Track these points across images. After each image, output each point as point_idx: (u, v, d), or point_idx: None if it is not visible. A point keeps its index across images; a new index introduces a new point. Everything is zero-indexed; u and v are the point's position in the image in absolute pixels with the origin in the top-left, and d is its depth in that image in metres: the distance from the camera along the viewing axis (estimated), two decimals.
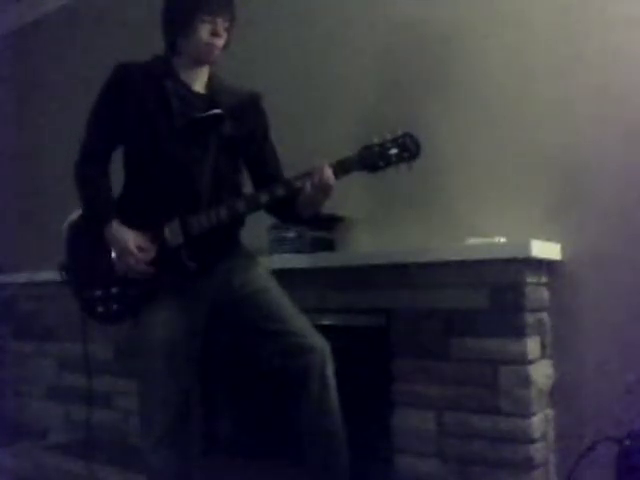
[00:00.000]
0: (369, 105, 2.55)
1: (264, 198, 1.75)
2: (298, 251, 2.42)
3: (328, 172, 1.68)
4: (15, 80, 4.29)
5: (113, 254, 1.77)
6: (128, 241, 1.72)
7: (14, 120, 4.26)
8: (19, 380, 3.68)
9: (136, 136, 1.78)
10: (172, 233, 1.74)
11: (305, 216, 1.84)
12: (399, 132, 1.72)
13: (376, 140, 1.72)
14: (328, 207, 1.91)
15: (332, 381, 1.82)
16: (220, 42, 1.77)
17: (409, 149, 1.71)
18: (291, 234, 2.46)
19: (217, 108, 1.81)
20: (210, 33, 1.74)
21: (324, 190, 1.70)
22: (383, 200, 2.47)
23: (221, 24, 1.75)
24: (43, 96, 4.06)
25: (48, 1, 3.97)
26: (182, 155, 1.77)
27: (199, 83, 1.84)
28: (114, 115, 1.79)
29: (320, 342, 1.82)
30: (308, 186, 1.70)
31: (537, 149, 2.17)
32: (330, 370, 1.82)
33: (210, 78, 1.87)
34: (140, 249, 1.73)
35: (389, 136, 1.72)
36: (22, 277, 3.63)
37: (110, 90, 1.79)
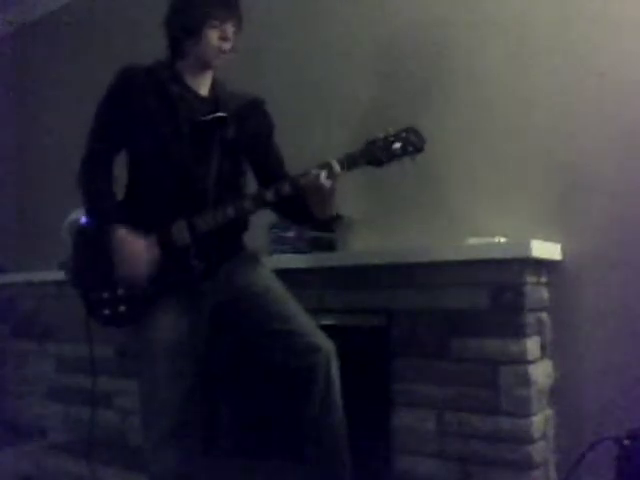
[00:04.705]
0: (370, 106, 2.55)
1: (270, 196, 1.75)
2: (298, 251, 2.42)
3: (321, 175, 1.67)
4: (15, 80, 4.29)
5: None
6: (131, 244, 1.71)
7: (14, 120, 4.26)
8: (19, 380, 3.68)
9: (141, 139, 1.78)
10: (180, 233, 1.74)
11: (318, 217, 1.81)
12: (402, 126, 1.72)
13: (380, 134, 1.72)
14: None
15: (337, 381, 1.82)
16: (228, 46, 1.79)
17: (413, 143, 1.71)
18: (291, 234, 2.45)
19: (221, 111, 1.81)
20: (219, 38, 1.76)
21: (317, 191, 1.69)
22: (383, 200, 2.48)
23: (230, 29, 1.77)
24: (43, 96, 4.06)
25: (48, 1, 3.97)
26: (187, 157, 1.77)
27: (204, 87, 1.85)
28: (118, 118, 1.79)
29: (325, 342, 1.82)
30: (305, 184, 1.70)
31: (537, 149, 2.17)
32: (335, 370, 1.81)
33: (214, 82, 1.87)
34: (147, 260, 1.71)
35: (392, 130, 1.72)
36: (22, 277, 3.63)
37: (115, 93, 1.79)
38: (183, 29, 1.79)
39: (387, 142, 1.71)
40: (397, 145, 1.70)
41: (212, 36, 1.76)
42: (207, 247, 1.76)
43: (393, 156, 1.71)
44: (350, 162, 1.70)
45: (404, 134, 1.71)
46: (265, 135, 1.95)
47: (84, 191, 1.82)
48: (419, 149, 1.71)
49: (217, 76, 1.89)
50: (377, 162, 1.72)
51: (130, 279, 1.73)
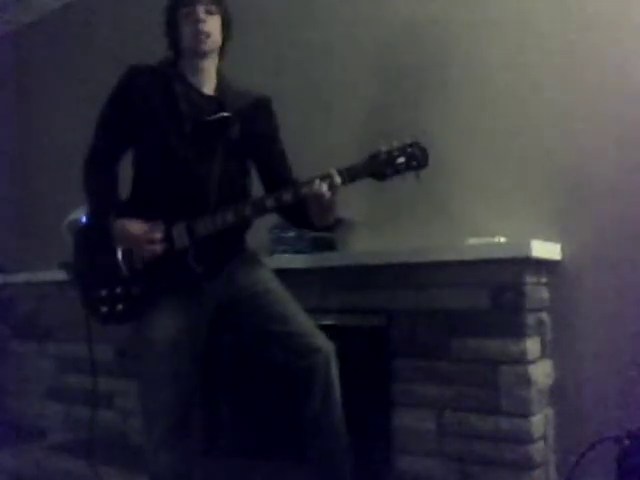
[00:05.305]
0: (370, 106, 2.55)
1: (270, 203, 1.74)
2: (298, 251, 2.42)
3: (321, 186, 1.66)
4: (15, 81, 4.29)
5: (119, 254, 1.77)
6: (134, 227, 1.73)
7: (14, 120, 4.26)
8: (19, 380, 3.68)
9: (144, 138, 1.78)
10: (179, 235, 1.74)
11: (318, 224, 1.81)
12: (407, 140, 1.70)
13: (383, 148, 1.69)
14: None
15: (336, 382, 1.82)
16: (205, 27, 1.77)
17: (417, 158, 1.68)
18: (291, 234, 2.46)
19: (226, 111, 1.80)
20: (193, 22, 1.77)
21: (318, 201, 1.69)
22: (383, 200, 2.47)
23: (201, 9, 1.77)
24: (43, 97, 4.06)
25: (48, 1, 3.97)
26: (190, 158, 1.77)
27: (208, 85, 1.84)
28: (122, 117, 1.79)
29: (325, 343, 1.82)
30: (306, 193, 1.69)
31: (537, 149, 2.17)
32: (334, 371, 1.81)
33: (219, 81, 1.87)
34: (147, 233, 1.73)
35: (396, 144, 1.69)
36: (22, 277, 3.63)
37: (120, 92, 1.80)
38: (168, 28, 1.83)
39: (391, 156, 1.68)
40: (401, 160, 1.68)
41: (186, 23, 1.77)
42: (206, 249, 1.75)
43: (396, 171, 1.68)
44: (352, 175, 1.69)
45: (409, 149, 1.68)
46: (270, 135, 1.94)
47: (86, 191, 1.83)
48: (423, 165, 1.69)
49: (223, 74, 1.88)
50: (380, 176, 1.69)
51: (143, 254, 1.73)
